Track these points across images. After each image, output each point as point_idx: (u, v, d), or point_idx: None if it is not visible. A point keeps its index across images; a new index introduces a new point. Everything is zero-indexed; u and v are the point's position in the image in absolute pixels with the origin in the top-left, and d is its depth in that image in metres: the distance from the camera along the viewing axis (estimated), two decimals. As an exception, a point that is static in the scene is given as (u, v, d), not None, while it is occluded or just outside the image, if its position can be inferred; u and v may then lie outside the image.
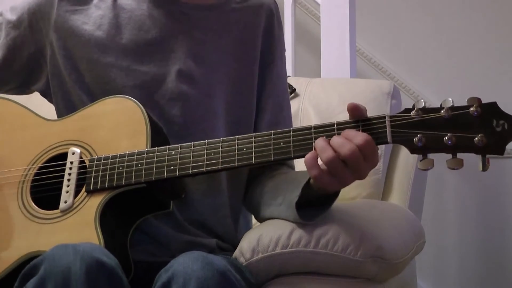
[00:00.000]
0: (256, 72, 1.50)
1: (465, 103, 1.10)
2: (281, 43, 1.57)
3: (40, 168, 1.35)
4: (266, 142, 1.21)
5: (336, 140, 1.14)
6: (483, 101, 1.10)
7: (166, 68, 1.44)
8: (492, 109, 1.09)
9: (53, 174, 1.33)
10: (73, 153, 1.33)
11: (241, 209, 1.53)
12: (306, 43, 3.44)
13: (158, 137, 1.32)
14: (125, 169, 1.27)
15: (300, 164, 1.44)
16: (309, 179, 1.25)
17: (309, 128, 1.19)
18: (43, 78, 1.52)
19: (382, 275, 1.34)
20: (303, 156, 1.19)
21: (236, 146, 1.23)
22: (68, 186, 1.30)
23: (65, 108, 1.46)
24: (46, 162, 1.36)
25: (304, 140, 1.19)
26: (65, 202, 1.28)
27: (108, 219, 1.26)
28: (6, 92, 1.54)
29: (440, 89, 3.17)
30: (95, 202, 1.26)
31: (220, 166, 1.24)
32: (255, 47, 1.51)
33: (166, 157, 1.26)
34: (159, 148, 1.28)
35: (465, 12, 3.19)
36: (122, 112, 1.34)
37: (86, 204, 1.27)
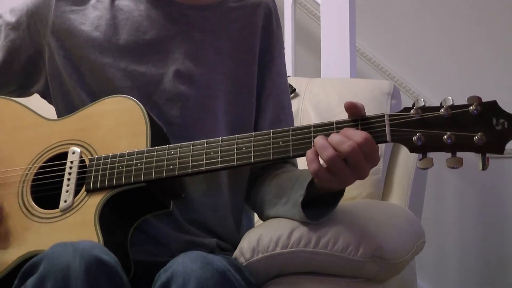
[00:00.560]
0: (255, 72, 1.50)
1: (465, 103, 1.10)
2: (280, 42, 1.57)
3: (41, 167, 1.35)
4: (265, 141, 1.21)
5: (335, 137, 1.14)
6: (484, 100, 1.10)
7: (164, 69, 1.44)
8: (492, 107, 1.09)
9: (53, 173, 1.33)
10: (73, 153, 1.33)
11: (242, 209, 1.53)
12: (306, 43, 3.44)
13: (158, 136, 1.32)
14: (124, 169, 1.27)
15: (302, 164, 1.44)
16: (313, 178, 1.26)
17: (308, 127, 1.19)
18: (42, 79, 1.52)
19: (382, 275, 1.34)
20: (302, 155, 1.19)
21: (236, 145, 1.23)
22: (68, 185, 1.30)
23: (65, 108, 1.46)
24: (47, 161, 1.36)
25: (303, 139, 1.19)
26: (65, 201, 1.28)
27: (108, 218, 1.26)
28: (7, 94, 1.54)
29: (440, 89, 3.17)
30: (95, 202, 1.26)
31: (219, 165, 1.24)
32: (253, 46, 1.51)
33: (166, 157, 1.26)
34: (158, 147, 1.28)
35: (465, 12, 3.20)
36: (123, 112, 1.34)
37: (86, 203, 1.27)
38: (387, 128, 1.13)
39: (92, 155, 1.32)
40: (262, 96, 1.51)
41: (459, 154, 1.10)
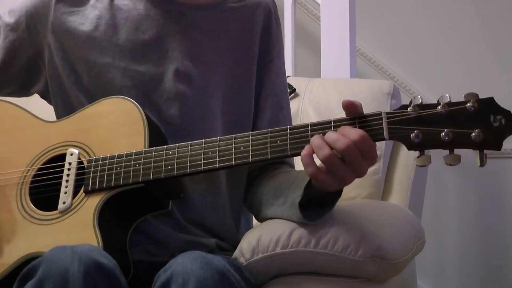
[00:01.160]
0: (254, 72, 1.50)
1: (462, 100, 1.10)
2: (279, 42, 1.57)
3: (39, 169, 1.35)
4: (263, 141, 1.21)
5: (331, 135, 1.14)
6: (481, 97, 1.09)
7: (164, 68, 1.44)
8: (489, 104, 1.08)
9: (51, 175, 1.33)
10: (72, 154, 1.33)
11: (241, 209, 1.53)
12: (306, 43, 3.44)
13: (156, 137, 1.32)
14: (123, 169, 1.27)
15: (300, 164, 1.44)
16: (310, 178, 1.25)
17: (306, 126, 1.19)
18: (42, 80, 1.52)
19: (382, 275, 1.34)
20: (299, 154, 1.18)
21: (234, 145, 1.23)
22: (66, 187, 1.30)
23: (64, 109, 1.46)
24: (45, 163, 1.36)
25: (301, 138, 1.18)
26: (64, 203, 1.28)
27: (107, 219, 1.26)
28: (6, 95, 1.54)
29: (440, 89, 3.16)
30: (93, 203, 1.26)
31: (217, 165, 1.23)
32: (253, 46, 1.51)
33: (164, 157, 1.26)
34: (156, 148, 1.27)
35: (465, 12, 3.20)
36: (120, 113, 1.34)
37: (85, 204, 1.27)
38: (385, 126, 1.13)
39: (90, 156, 1.32)
40: (261, 96, 1.51)
41: (456, 151, 1.10)
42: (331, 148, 1.13)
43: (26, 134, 1.40)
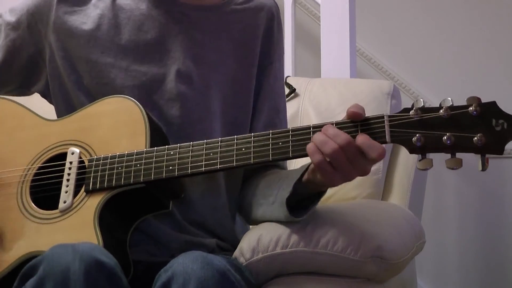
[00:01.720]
0: (254, 74, 1.50)
1: (465, 103, 1.10)
2: (280, 46, 1.57)
3: (40, 168, 1.35)
4: (265, 142, 1.21)
5: (330, 131, 1.14)
6: (483, 101, 1.09)
7: (165, 68, 1.44)
8: (491, 108, 1.08)
9: (52, 174, 1.33)
10: (73, 153, 1.33)
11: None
12: (306, 43, 3.44)
13: (157, 137, 1.32)
14: (124, 169, 1.27)
15: (298, 165, 1.44)
16: (301, 176, 1.25)
17: (308, 128, 1.19)
18: (42, 79, 1.52)
19: (382, 275, 1.34)
20: (301, 156, 1.19)
21: (235, 146, 1.23)
22: (67, 186, 1.30)
23: (65, 109, 1.46)
24: (46, 162, 1.36)
25: (303, 140, 1.18)
26: (64, 202, 1.28)
27: (107, 219, 1.26)
28: (6, 93, 1.54)
29: (440, 89, 3.17)
30: (94, 202, 1.26)
31: (218, 166, 1.23)
32: (254, 49, 1.51)
33: (165, 157, 1.26)
34: (158, 148, 1.27)
35: (465, 12, 3.19)
36: (122, 112, 1.34)
37: (85, 204, 1.27)
38: (387, 129, 1.13)
39: (91, 156, 1.32)
40: (259, 99, 1.51)
41: (458, 155, 1.10)
42: (335, 143, 1.13)
43: (27, 133, 1.40)
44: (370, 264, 1.29)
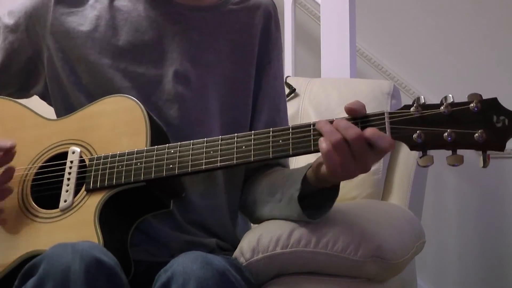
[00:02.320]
0: (252, 74, 1.50)
1: (465, 100, 1.10)
2: (278, 45, 1.57)
3: (41, 167, 1.35)
4: (265, 140, 1.21)
5: (340, 123, 1.14)
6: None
7: (163, 69, 1.44)
8: (492, 105, 1.08)
9: (53, 173, 1.33)
10: (73, 152, 1.33)
11: (238, 210, 1.53)
12: (306, 43, 3.44)
13: (158, 136, 1.32)
14: (124, 168, 1.27)
15: (299, 164, 1.44)
16: (305, 173, 1.25)
17: (308, 125, 1.19)
18: (41, 81, 1.52)
19: (382, 275, 1.34)
20: (302, 154, 1.19)
21: (235, 144, 1.23)
22: (68, 185, 1.30)
23: (65, 110, 1.46)
24: (47, 161, 1.36)
25: (303, 137, 1.18)
26: (65, 201, 1.28)
27: (108, 218, 1.26)
28: (6, 96, 1.54)
29: (440, 89, 3.17)
30: (95, 201, 1.26)
31: (219, 164, 1.23)
32: (252, 48, 1.51)
33: (165, 156, 1.26)
34: (158, 146, 1.28)
35: (465, 12, 3.20)
36: (122, 111, 1.34)
37: (86, 203, 1.27)
38: (387, 126, 1.13)
39: (92, 155, 1.32)
40: (258, 98, 1.51)
41: (459, 152, 1.09)
42: (341, 134, 1.13)
43: (28, 133, 1.40)
44: (370, 264, 1.29)
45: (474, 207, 3.12)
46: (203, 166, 1.24)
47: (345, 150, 1.13)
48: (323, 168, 1.19)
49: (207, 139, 1.26)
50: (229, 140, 1.24)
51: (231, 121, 1.47)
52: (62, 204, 1.28)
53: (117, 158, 1.29)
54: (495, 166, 2.93)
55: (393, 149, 1.13)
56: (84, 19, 1.47)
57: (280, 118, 1.54)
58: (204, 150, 1.25)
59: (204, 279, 1.08)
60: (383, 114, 1.14)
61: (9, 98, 1.48)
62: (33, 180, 1.35)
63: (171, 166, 1.25)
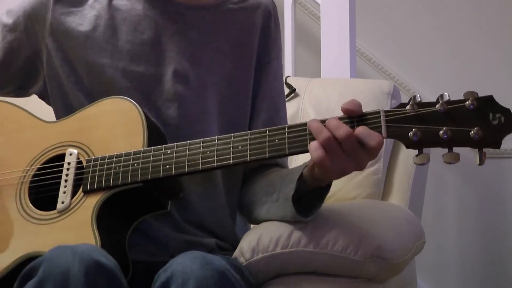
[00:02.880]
0: (251, 73, 1.50)
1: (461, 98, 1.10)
2: (277, 44, 1.56)
3: (38, 169, 1.35)
4: (261, 140, 1.21)
5: (331, 122, 1.14)
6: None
7: (162, 69, 1.44)
8: (488, 102, 1.08)
9: (51, 175, 1.34)
10: (71, 154, 1.33)
11: (237, 210, 1.52)
12: (306, 43, 3.44)
13: (155, 136, 1.32)
14: (121, 169, 1.27)
15: (299, 163, 1.43)
16: (301, 172, 1.25)
17: (304, 124, 1.19)
18: (40, 81, 1.52)
19: (382, 275, 1.34)
20: (298, 153, 1.18)
21: (232, 144, 1.23)
22: (65, 186, 1.30)
23: (64, 110, 1.46)
24: (44, 163, 1.36)
25: (299, 137, 1.18)
26: (62, 202, 1.29)
27: (105, 219, 1.26)
28: (4, 95, 1.55)
29: (440, 89, 3.13)
30: (92, 202, 1.26)
31: (215, 164, 1.23)
32: (251, 48, 1.51)
33: (162, 156, 1.26)
34: (155, 147, 1.28)
35: (465, 12, 3.20)
36: (119, 113, 1.34)
37: (83, 204, 1.27)
38: (383, 124, 1.12)
39: (89, 156, 1.32)
40: (257, 98, 1.51)
41: (456, 150, 1.09)
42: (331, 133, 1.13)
43: (25, 135, 1.40)
44: (370, 264, 1.29)
45: (474, 207, 3.12)
46: (200, 167, 1.24)
47: (334, 148, 1.13)
48: (317, 169, 1.19)
49: (204, 139, 1.26)
50: (226, 140, 1.24)
51: (230, 121, 1.47)
52: (59, 205, 1.28)
53: (114, 159, 1.29)
54: (495, 166, 2.94)
55: (381, 146, 1.12)
56: (83, 19, 1.47)
57: (279, 117, 1.54)
58: (201, 150, 1.25)
59: (204, 279, 1.08)
60: (379, 112, 1.14)
61: (6, 100, 1.48)
62: (31, 182, 1.35)
63: (167, 166, 1.25)
